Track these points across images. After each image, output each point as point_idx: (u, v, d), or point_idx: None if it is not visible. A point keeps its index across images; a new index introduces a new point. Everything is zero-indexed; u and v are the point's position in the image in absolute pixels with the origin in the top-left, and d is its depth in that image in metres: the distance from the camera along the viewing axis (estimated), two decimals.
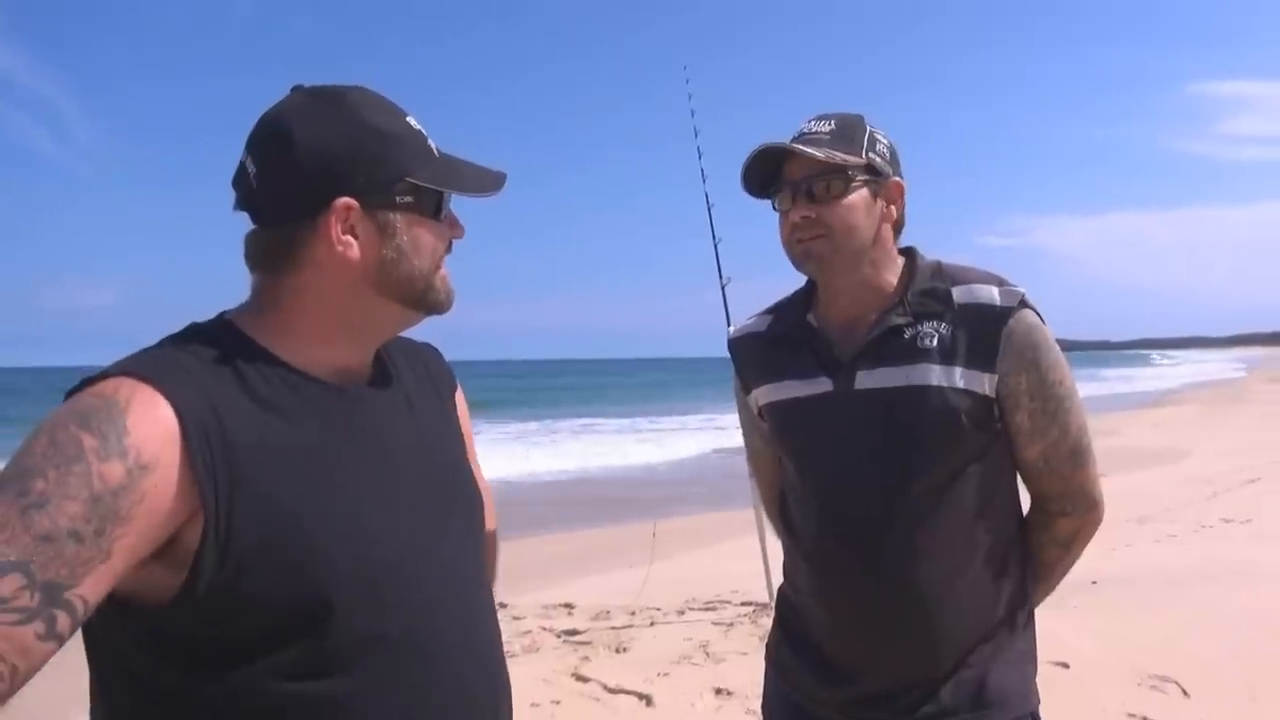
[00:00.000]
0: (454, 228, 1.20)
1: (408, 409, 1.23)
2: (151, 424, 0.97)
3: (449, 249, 1.20)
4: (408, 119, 1.16)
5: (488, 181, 1.20)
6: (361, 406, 1.16)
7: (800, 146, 1.57)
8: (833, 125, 1.61)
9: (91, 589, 0.93)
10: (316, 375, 1.13)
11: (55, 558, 0.91)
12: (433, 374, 1.33)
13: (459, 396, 1.38)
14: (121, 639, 1.05)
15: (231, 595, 1.01)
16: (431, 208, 1.16)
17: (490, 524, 1.50)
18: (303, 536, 1.04)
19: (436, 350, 1.39)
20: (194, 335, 1.11)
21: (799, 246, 1.61)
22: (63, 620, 0.92)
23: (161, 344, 1.09)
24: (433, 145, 1.18)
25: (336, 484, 1.09)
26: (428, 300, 1.18)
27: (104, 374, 1.01)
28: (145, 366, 1.02)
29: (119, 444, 0.95)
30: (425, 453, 1.22)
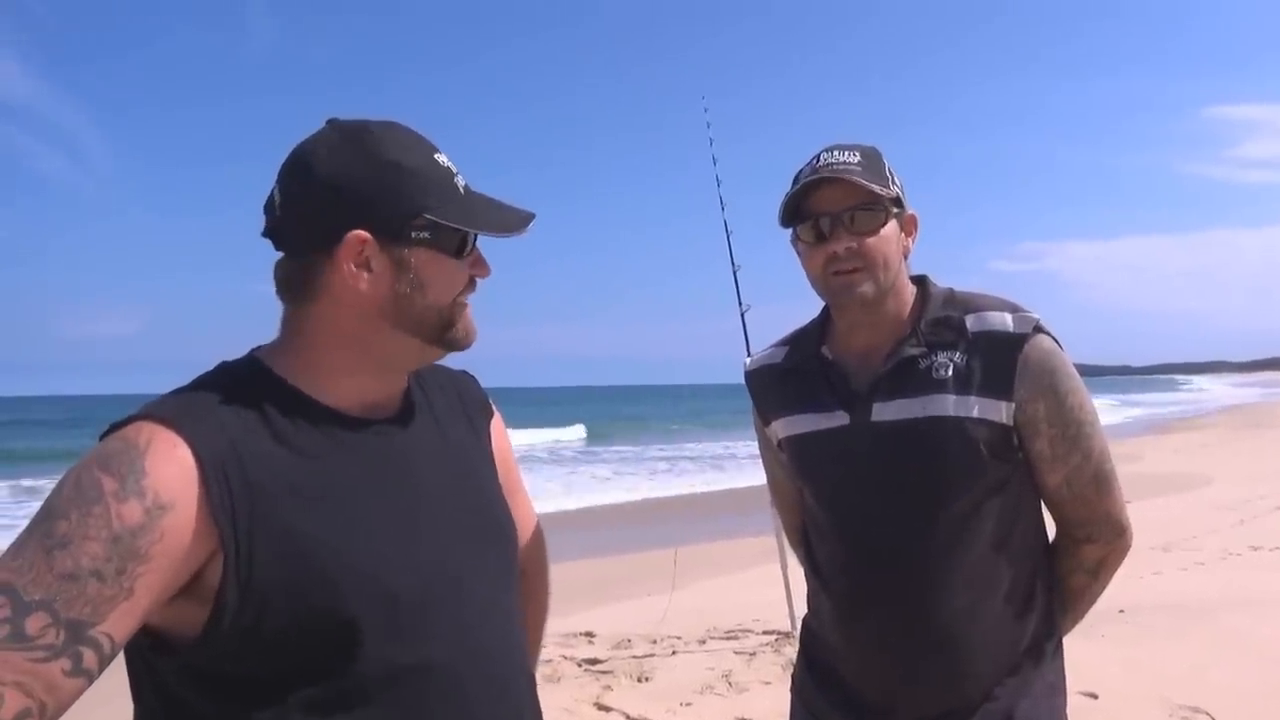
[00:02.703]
0: (477, 266, 1.19)
1: (439, 440, 1.24)
2: (169, 465, 1.00)
3: (472, 287, 1.19)
4: (435, 155, 1.16)
5: (511, 222, 1.18)
6: (388, 439, 1.17)
7: (855, 178, 1.56)
8: (860, 157, 1.60)
9: (117, 626, 0.96)
10: (342, 409, 1.14)
11: (78, 596, 0.94)
12: (466, 402, 1.33)
13: (496, 424, 1.38)
14: (161, 675, 1.07)
15: (255, 630, 1.02)
16: (453, 245, 1.15)
17: (537, 557, 1.49)
18: (324, 572, 1.05)
19: (473, 377, 1.39)
20: (221, 375, 1.14)
21: (838, 279, 1.59)
22: (89, 657, 0.94)
23: (189, 385, 1.12)
24: (460, 183, 1.17)
25: (360, 518, 1.09)
26: (446, 338, 1.17)
27: (130, 418, 1.05)
28: (168, 410, 1.05)
29: (137, 485, 0.98)
30: (455, 484, 1.22)
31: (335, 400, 1.14)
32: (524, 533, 1.44)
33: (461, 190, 1.17)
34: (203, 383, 1.12)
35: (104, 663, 0.96)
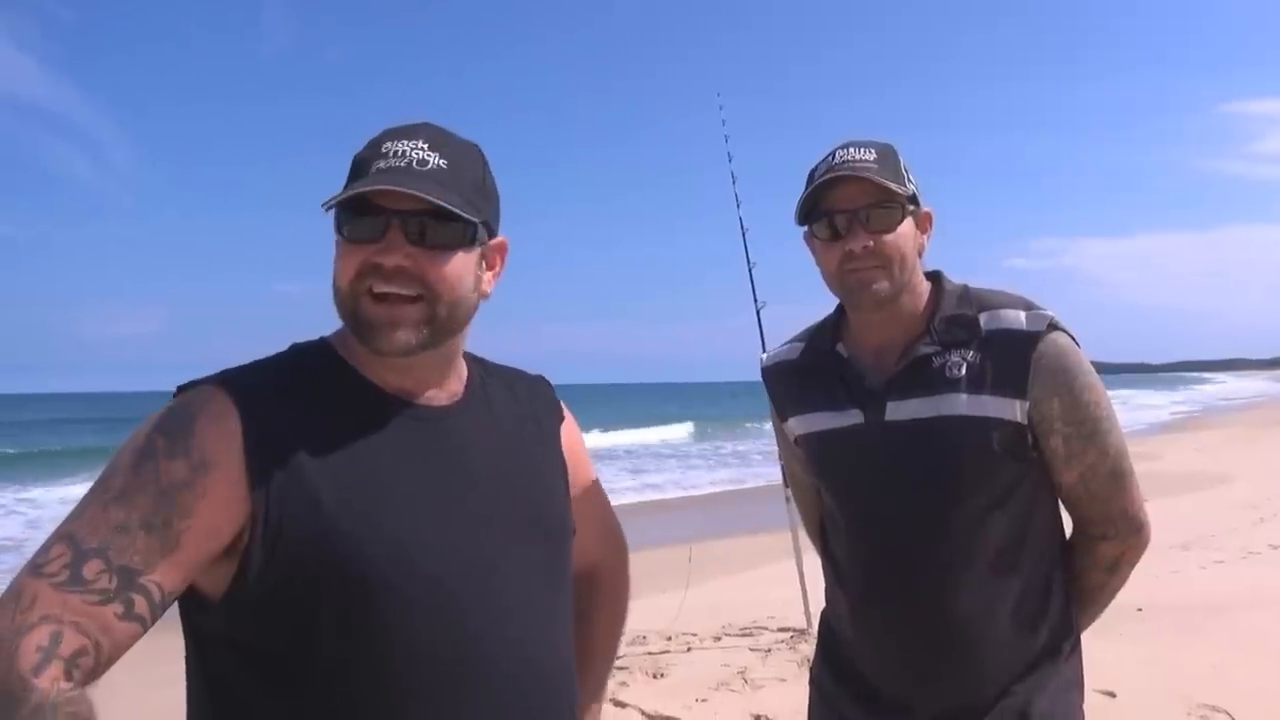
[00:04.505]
0: (377, 251, 1.11)
1: (495, 433, 1.25)
2: (216, 428, 1.07)
3: (375, 273, 1.11)
4: (386, 144, 1.14)
5: (364, 185, 1.10)
6: (438, 425, 1.20)
7: (873, 176, 1.54)
8: (875, 154, 1.58)
9: (165, 576, 1.02)
10: (394, 391, 1.18)
11: (129, 546, 1.01)
12: (536, 404, 1.35)
13: (568, 425, 1.39)
14: (203, 639, 1.12)
15: (275, 596, 1.06)
16: (352, 229, 1.12)
17: (614, 562, 1.48)
18: (349, 546, 1.08)
19: (547, 382, 1.41)
20: (289, 352, 1.21)
21: (854, 276, 1.58)
22: (140, 603, 1.01)
23: (257, 361, 1.18)
24: (380, 165, 1.12)
25: (394, 495, 1.12)
26: (357, 331, 1.14)
27: (193, 382, 1.13)
28: (227, 377, 1.13)
29: (184, 445, 1.06)
30: (506, 477, 1.23)
31: (384, 381, 1.18)
32: (600, 537, 1.45)
33: (371, 173, 1.12)
34: (270, 358, 1.19)
35: (155, 610, 1.02)
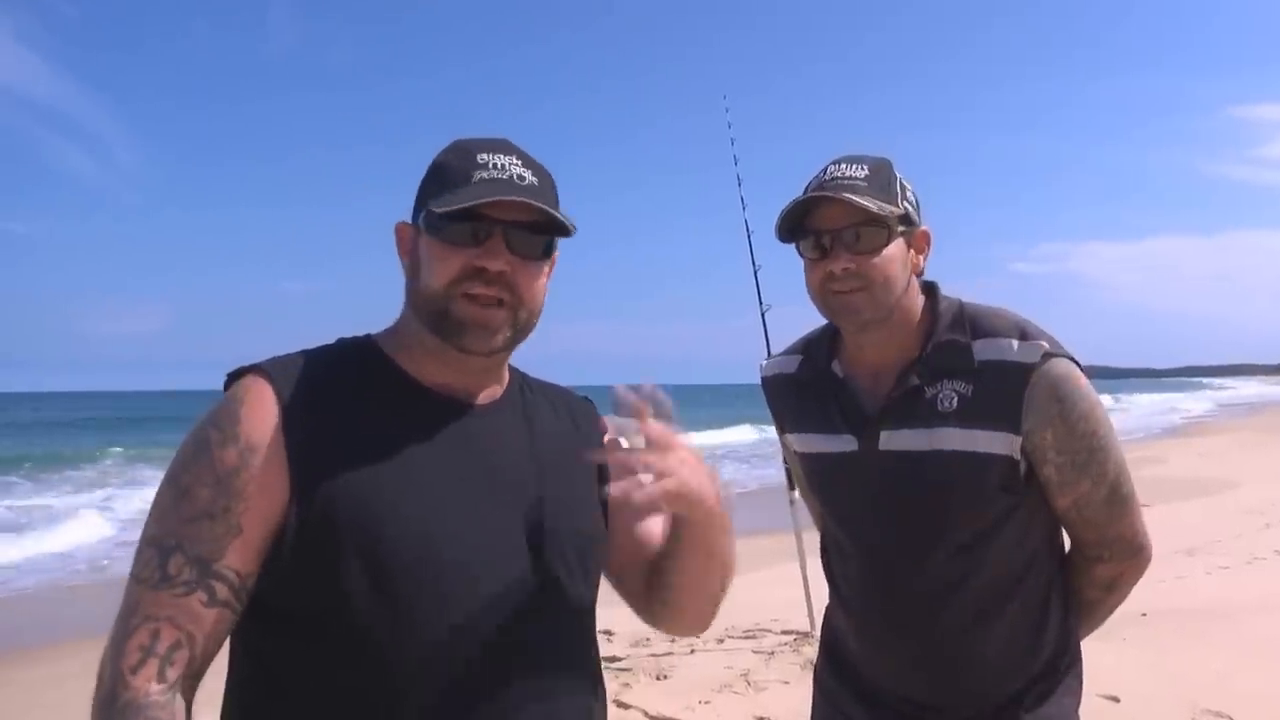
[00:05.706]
0: (479, 255, 1.16)
1: (528, 438, 1.28)
2: (259, 412, 1.14)
3: (478, 278, 1.17)
4: (480, 154, 1.20)
5: (463, 198, 1.16)
6: (472, 422, 1.24)
7: (851, 197, 1.49)
8: (867, 171, 1.53)
9: (236, 560, 1.10)
10: (431, 386, 1.23)
11: (198, 536, 1.09)
12: (578, 423, 1.37)
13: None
14: (247, 617, 1.15)
15: (301, 569, 1.11)
16: (446, 231, 1.17)
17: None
18: (371, 527, 1.12)
19: (592, 404, 1.43)
20: (334, 345, 1.27)
21: (836, 298, 1.54)
22: (221, 589, 1.09)
23: (304, 350, 1.24)
24: (480, 175, 1.18)
25: (421, 481, 1.16)
26: (443, 328, 1.18)
27: (241, 370, 1.20)
28: (271, 364, 1.19)
29: (233, 432, 1.13)
30: (537, 480, 1.25)
31: (425, 377, 1.23)
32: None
33: (474, 181, 1.18)
34: (316, 348, 1.25)
35: (237, 594, 1.10)
